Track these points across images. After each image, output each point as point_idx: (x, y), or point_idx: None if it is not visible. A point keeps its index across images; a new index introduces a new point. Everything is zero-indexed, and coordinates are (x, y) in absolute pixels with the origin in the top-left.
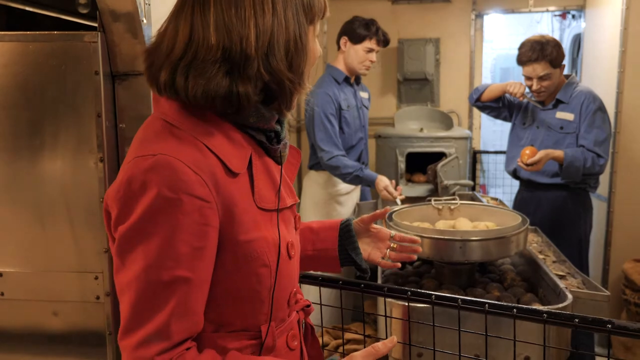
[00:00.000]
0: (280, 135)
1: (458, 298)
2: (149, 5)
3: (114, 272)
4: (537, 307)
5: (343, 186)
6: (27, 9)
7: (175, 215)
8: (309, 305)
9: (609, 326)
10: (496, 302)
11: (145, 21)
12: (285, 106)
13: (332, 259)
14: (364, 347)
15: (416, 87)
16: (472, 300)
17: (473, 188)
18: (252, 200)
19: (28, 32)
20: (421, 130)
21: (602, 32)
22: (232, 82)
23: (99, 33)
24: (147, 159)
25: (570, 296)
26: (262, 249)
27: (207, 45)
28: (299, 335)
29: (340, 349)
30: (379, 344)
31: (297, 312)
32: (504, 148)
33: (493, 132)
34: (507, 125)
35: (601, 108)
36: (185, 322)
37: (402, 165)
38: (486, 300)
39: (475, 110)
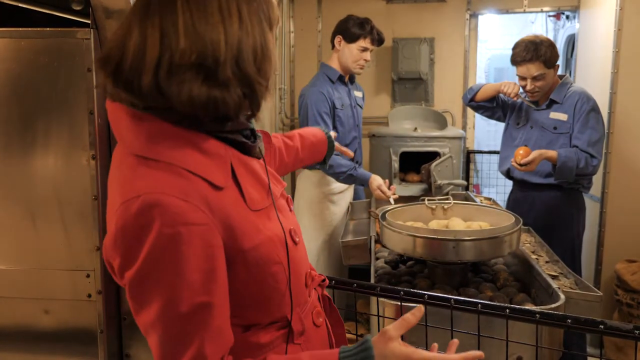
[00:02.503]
0: (255, 132)
1: (451, 298)
2: None
3: (133, 314)
4: (530, 307)
5: (336, 185)
6: (20, 5)
7: (179, 248)
8: (324, 280)
9: (602, 327)
10: (489, 303)
11: None
12: (256, 109)
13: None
14: None
15: (410, 86)
16: (465, 301)
17: (466, 188)
18: (246, 206)
19: (20, 29)
20: (415, 129)
21: (596, 33)
22: (210, 88)
23: (92, 30)
24: (134, 202)
25: (562, 296)
26: (270, 249)
27: (179, 49)
28: (322, 311)
29: None
30: (408, 315)
31: (315, 288)
32: (498, 148)
33: (487, 132)
34: (501, 126)
35: (595, 108)
36: (217, 344)
37: (395, 165)
38: (479, 301)
39: (469, 110)
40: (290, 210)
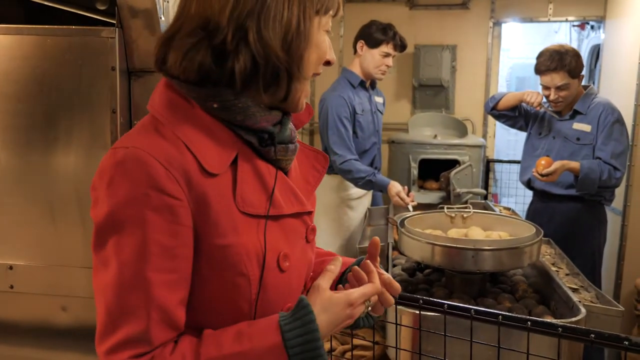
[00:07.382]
0: (277, 137)
1: (471, 308)
2: (168, 2)
3: (93, 270)
4: (550, 320)
5: (355, 190)
6: (46, 3)
7: (143, 212)
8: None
9: (626, 343)
10: (510, 314)
11: (163, 18)
12: (278, 91)
13: None
14: (373, 354)
15: (431, 93)
16: (485, 311)
17: (485, 197)
18: (233, 202)
19: (46, 26)
20: (435, 137)
21: (621, 44)
22: (209, 55)
23: (117, 29)
24: (120, 152)
25: (583, 310)
26: (239, 256)
27: (189, 15)
28: None
29: (348, 354)
30: (330, 266)
31: None
32: (518, 157)
33: (507, 142)
34: (521, 135)
35: (619, 120)
36: (164, 326)
37: (414, 172)
38: (500, 312)
39: (490, 119)
40: (308, 240)
